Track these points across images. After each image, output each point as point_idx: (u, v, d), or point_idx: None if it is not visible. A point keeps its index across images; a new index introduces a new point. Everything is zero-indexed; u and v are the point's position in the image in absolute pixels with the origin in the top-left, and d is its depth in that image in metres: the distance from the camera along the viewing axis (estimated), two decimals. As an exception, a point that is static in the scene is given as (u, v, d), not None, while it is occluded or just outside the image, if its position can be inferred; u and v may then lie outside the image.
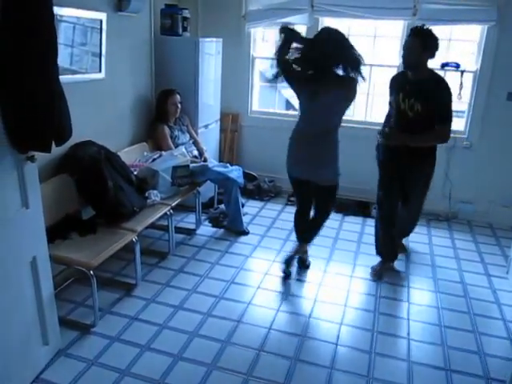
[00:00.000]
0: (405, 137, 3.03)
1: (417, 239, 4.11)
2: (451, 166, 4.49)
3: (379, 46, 4.65)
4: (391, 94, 3.21)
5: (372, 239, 3.60)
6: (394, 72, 4.27)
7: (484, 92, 4.24)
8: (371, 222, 4.33)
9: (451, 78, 4.35)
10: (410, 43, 2.94)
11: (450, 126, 2.99)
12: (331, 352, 2.60)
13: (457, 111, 4.68)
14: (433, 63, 4.29)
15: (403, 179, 3.23)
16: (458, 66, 4.27)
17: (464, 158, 4.45)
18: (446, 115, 2.97)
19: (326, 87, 2.84)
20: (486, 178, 4.44)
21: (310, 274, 3.42)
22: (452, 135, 4.31)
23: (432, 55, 2.96)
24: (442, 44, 4.34)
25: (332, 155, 3.05)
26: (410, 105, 2.99)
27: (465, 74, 4.25)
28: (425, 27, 2.91)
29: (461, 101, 4.33)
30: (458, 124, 4.54)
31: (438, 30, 4.24)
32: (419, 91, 2.95)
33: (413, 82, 3.01)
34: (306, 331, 2.77)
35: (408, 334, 2.79)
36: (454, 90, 4.26)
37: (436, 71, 3.09)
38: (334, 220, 4.45)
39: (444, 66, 4.31)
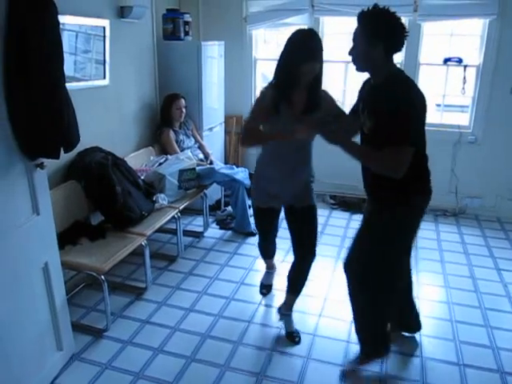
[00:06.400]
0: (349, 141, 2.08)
1: (425, 235, 4.11)
2: (457, 161, 4.48)
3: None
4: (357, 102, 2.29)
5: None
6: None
7: (487, 86, 4.23)
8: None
9: (454, 73, 4.37)
10: (354, 33, 1.99)
11: (401, 149, 1.90)
12: (343, 349, 2.61)
13: (461, 106, 4.69)
14: (435, 58, 4.34)
15: None
16: (460, 60, 4.27)
17: (469, 152, 4.45)
18: (397, 134, 1.89)
19: None
20: (492, 171, 4.43)
21: (320, 273, 3.42)
22: (457, 130, 4.40)
23: (392, 47, 1.97)
24: (443, 39, 4.42)
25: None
26: (364, 118, 2.09)
27: (468, 68, 4.26)
28: (374, 7, 1.92)
29: (464, 95, 4.34)
30: (462, 119, 4.55)
31: (439, 25, 4.32)
32: (374, 100, 2.04)
33: (372, 86, 2.10)
34: (317, 330, 2.78)
35: (419, 329, 2.79)
36: (457, 85, 4.31)
37: (399, 73, 2.05)
38: (341, 218, 4.46)
39: (446, 61, 4.32)
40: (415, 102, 1.93)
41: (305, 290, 3.14)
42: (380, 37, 1.92)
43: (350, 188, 4.31)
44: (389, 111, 1.89)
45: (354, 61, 2.04)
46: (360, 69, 2.06)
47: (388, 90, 1.95)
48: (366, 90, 2.19)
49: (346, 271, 2.33)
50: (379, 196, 2.18)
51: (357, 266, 2.25)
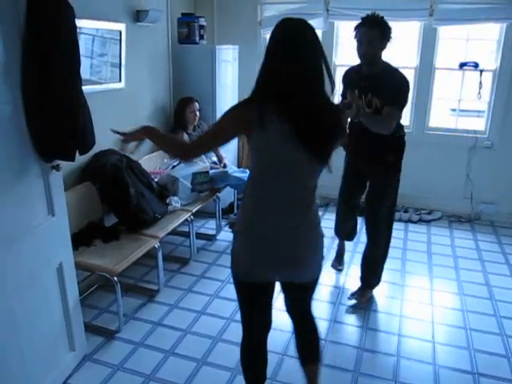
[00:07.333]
0: (365, 112, 2.46)
1: (439, 241, 4.07)
2: (472, 167, 4.43)
3: (395, 47, 4.62)
4: (345, 90, 2.86)
5: (392, 242, 3.53)
6: (411, 73, 4.28)
7: (504, 91, 4.18)
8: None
9: (470, 78, 4.33)
10: (370, 36, 2.56)
11: (397, 110, 2.58)
12: (354, 356, 2.58)
13: (477, 111, 4.64)
14: (451, 63, 4.30)
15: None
16: (476, 65, 4.22)
17: (485, 158, 4.39)
18: (397, 99, 2.58)
19: None
20: (508, 177, 4.36)
21: (328, 277, 3.40)
22: (473, 135, 4.35)
23: (386, 46, 2.63)
24: (459, 44, 4.38)
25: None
26: (367, 101, 2.65)
27: (484, 73, 4.21)
28: (379, 16, 2.58)
29: (480, 100, 4.29)
30: (478, 124, 4.50)
31: (455, 29, 4.29)
32: (375, 85, 2.63)
33: (367, 76, 2.68)
34: (328, 334, 2.76)
35: (433, 337, 2.76)
36: (473, 90, 4.26)
37: (389, 63, 2.71)
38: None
39: (462, 65, 4.28)
40: (409, 82, 2.65)
41: (319, 296, 3.13)
42: (388, 38, 2.59)
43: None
44: (395, 90, 2.57)
45: (364, 55, 2.63)
46: (367, 61, 2.66)
47: (391, 75, 2.64)
48: (358, 80, 2.71)
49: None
50: (386, 158, 2.80)
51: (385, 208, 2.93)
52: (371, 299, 3.14)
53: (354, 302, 3.10)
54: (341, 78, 2.94)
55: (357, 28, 2.63)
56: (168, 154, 2.16)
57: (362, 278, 3.14)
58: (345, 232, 3.48)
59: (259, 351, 2.01)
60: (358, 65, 2.79)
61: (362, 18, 2.61)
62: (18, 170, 1.93)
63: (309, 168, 1.62)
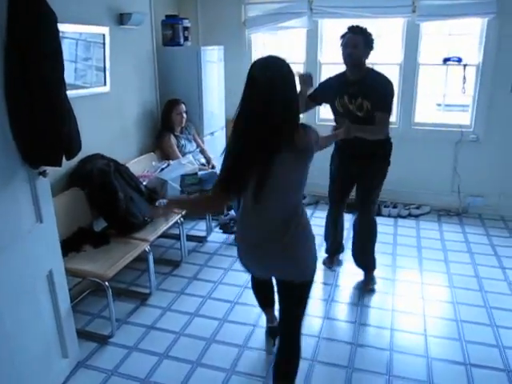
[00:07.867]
0: (356, 127, 2.73)
1: (428, 235, 4.11)
2: (459, 160, 4.48)
3: (380, 44, 4.64)
4: (318, 94, 3.08)
5: (382, 237, 3.58)
6: (396, 70, 4.32)
7: (488, 84, 4.23)
8: (380, 221, 4.34)
9: (454, 73, 4.37)
10: (355, 40, 2.77)
11: (388, 114, 2.84)
12: (348, 352, 2.59)
13: (462, 105, 4.69)
14: (435, 58, 4.35)
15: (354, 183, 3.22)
16: (460, 60, 4.27)
17: (471, 151, 4.44)
18: (386, 104, 2.81)
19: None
20: (494, 170, 4.42)
21: (320, 274, 3.42)
22: (458, 129, 4.40)
23: (369, 54, 2.84)
24: (443, 39, 4.42)
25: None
26: (358, 105, 2.84)
27: (467, 67, 4.25)
28: (363, 27, 2.80)
29: (465, 94, 4.33)
30: (463, 118, 4.55)
31: (437, 24, 4.33)
32: (363, 89, 2.81)
33: (353, 81, 2.86)
34: (321, 331, 2.77)
35: (425, 330, 2.78)
36: (457, 84, 4.32)
37: (372, 67, 2.94)
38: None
39: (446, 60, 4.31)
40: (393, 85, 2.85)
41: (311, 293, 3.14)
42: (371, 46, 2.82)
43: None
44: (382, 93, 2.78)
45: (350, 55, 2.78)
46: (352, 63, 2.83)
47: (376, 77, 2.85)
48: (346, 87, 2.89)
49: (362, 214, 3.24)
50: (376, 153, 2.99)
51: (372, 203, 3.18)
52: (363, 296, 3.16)
53: (349, 298, 3.17)
54: (323, 78, 3.07)
55: (343, 36, 2.84)
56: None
57: (359, 264, 3.34)
58: (335, 235, 3.52)
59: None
60: (339, 74, 3.01)
61: (348, 27, 2.83)
62: (4, 176, 1.90)
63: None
